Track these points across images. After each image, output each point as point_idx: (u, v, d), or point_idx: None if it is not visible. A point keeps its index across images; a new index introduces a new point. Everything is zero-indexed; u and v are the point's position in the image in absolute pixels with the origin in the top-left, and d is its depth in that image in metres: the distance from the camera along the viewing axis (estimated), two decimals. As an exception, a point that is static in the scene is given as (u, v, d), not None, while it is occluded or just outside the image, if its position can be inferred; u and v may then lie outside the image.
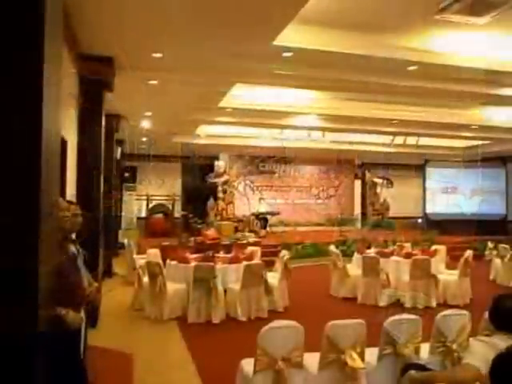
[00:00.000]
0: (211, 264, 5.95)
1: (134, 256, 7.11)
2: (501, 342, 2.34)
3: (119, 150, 10.72)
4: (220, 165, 14.28)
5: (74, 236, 2.96)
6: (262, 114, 9.06)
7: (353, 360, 3.03)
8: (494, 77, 6.72)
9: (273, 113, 9.05)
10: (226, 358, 4.06)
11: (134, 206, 13.91)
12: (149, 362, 4.39)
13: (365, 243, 9.53)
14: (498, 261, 8.94)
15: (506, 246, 9.18)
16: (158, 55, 5.34)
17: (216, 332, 5.48)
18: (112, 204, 8.79)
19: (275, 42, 5.21)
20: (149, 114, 8.77)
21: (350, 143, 13.19)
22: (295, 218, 15.71)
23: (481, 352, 2.29)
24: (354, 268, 7.41)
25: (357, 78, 6.54)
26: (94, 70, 5.29)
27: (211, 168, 14.40)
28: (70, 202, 2.92)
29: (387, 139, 12.67)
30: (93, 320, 4.96)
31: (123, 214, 13.14)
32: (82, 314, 2.60)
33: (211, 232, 9.58)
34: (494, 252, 9.30)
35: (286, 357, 2.93)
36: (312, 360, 3.11)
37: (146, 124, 9.59)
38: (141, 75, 6.20)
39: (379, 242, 9.72)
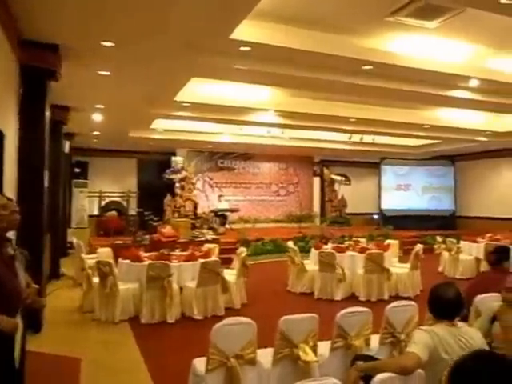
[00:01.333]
0: (166, 262, 5.85)
1: (84, 256, 6.87)
2: (440, 331, 2.44)
3: (68, 143, 10.31)
4: (177, 161, 14.07)
5: (11, 235, 2.79)
6: (220, 109, 8.98)
7: (306, 354, 3.06)
8: (443, 79, 6.99)
9: (232, 108, 8.99)
10: (180, 357, 4.00)
11: (85, 203, 13.44)
12: (98, 366, 4.24)
13: (322, 239, 9.70)
14: (446, 254, 9.37)
15: (454, 240, 9.63)
16: (109, 44, 5.14)
17: (171, 332, 5.40)
18: (59, 201, 8.46)
19: (232, 36, 5.18)
20: (101, 106, 8.48)
21: (309, 140, 13.37)
22: (255, 215, 15.76)
23: (422, 341, 2.38)
24: (311, 264, 7.53)
25: (315, 76, 6.61)
26: (36, 57, 4.99)
27: (168, 164, 14.16)
28: (9, 199, 2.75)
29: (345, 137, 12.92)
30: (35, 325, 4.76)
31: (73, 211, 12.67)
32: (19, 319, 2.44)
33: (168, 230, 9.42)
34: (443, 246, 9.73)
35: (239, 354, 2.92)
36: (266, 356, 3.13)
37: (97, 117, 9.28)
38: (90, 65, 5.97)
39: (336, 238, 9.94)
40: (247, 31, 5.28)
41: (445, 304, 2.55)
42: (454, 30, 5.82)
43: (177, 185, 13.98)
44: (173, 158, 14.16)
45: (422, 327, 2.61)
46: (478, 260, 9.01)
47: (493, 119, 11.31)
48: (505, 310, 2.81)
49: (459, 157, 16.15)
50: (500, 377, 1.11)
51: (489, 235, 9.85)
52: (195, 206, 13.90)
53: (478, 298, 3.54)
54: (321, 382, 1.98)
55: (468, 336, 2.50)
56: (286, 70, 6.34)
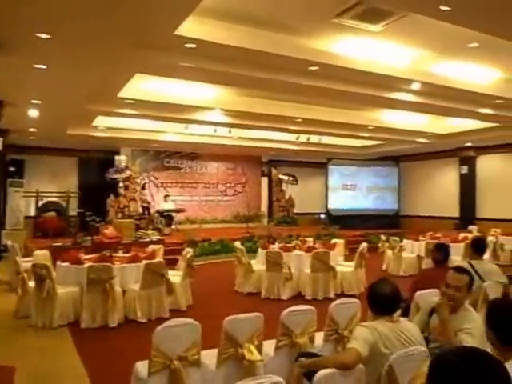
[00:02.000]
0: (108, 264, 5.68)
1: (18, 259, 6.52)
2: (380, 326, 2.56)
3: (1, 140, 9.74)
4: (121, 160, 13.68)
5: None
6: (165, 107, 8.85)
7: (250, 353, 3.09)
8: (387, 81, 7.29)
9: (177, 106, 8.89)
10: (123, 362, 3.90)
11: (21, 203, 12.74)
12: (35, 375, 4.04)
13: (270, 239, 9.81)
14: (389, 252, 9.77)
15: (397, 239, 10.06)
16: (45, 36, 4.92)
17: (113, 336, 5.25)
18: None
19: (177, 32, 5.12)
20: (37, 101, 8.09)
21: (257, 140, 13.48)
22: (202, 215, 15.68)
23: (363, 336, 2.48)
24: (259, 263, 7.59)
25: (261, 75, 6.67)
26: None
27: (111, 163, 13.74)
28: None
29: (293, 137, 13.14)
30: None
31: (7, 212, 11.98)
32: None
33: (110, 231, 9.15)
34: (387, 244, 10.12)
35: (183, 355, 2.90)
36: (211, 357, 3.13)
37: (34, 113, 8.83)
38: (25, 58, 5.69)
39: (284, 238, 10.09)
40: (193, 28, 5.25)
41: (382, 300, 2.67)
42: (398, 34, 6.09)
43: (120, 184, 13.60)
44: (116, 157, 13.76)
45: (362, 323, 2.71)
46: (419, 258, 9.44)
47: (434, 121, 11.95)
48: (443, 304, 2.96)
49: (403, 157, 16.92)
50: (483, 372, 1.17)
51: (430, 234, 10.38)
52: (147, 207, 13.60)
53: (418, 293, 3.71)
54: (263, 380, 2.00)
55: (407, 330, 2.63)
56: (233, 68, 6.36)
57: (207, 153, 15.69)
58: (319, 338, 3.50)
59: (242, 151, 15.26)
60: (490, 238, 10.36)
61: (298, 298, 6.96)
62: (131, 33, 5.02)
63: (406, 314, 3.65)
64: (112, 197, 13.36)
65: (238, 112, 9.69)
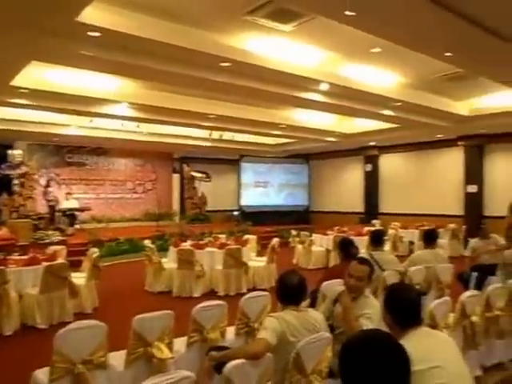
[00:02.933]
0: (1, 268, 5.27)
1: None
2: (287, 316, 2.71)
3: None
4: (15, 154, 12.64)
5: None
6: (67, 98, 8.36)
7: (160, 351, 3.09)
8: (296, 81, 7.58)
9: (80, 98, 8.45)
10: (20, 372, 3.65)
11: None
12: None
13: (182, 237, 9.75)
14: (299, 246, 10.23)
15: (307, 233, 10.56)
16: None
17: (8, 345, 4.90)
18: None
19: (80, 19, 4.89)
20: None
21: (168, 136, 13.28)
22: (109, 214, 15.08)
23: (271, 326, 2.61)
24: (170, 262, 7.53)
25: (171, 70, 6.59)
26: None
27: (4, 158, 12.65)
28: None
29: (205, 133, 13.14)
30: None
31: None
32: None
33: (3, 232, 8.46)
34: (297, 239, 10.59)
35: (88, 359, 2.82)
36: (119, 358, 3.07)
37: None
38: None
39: (196, 235, 10.08)
40: (98, 16, 5.06)
41: (289, 290, 2.83)
42: (308, 35, 6.38)
43: (15, 182, 12.60)
44: (9, 152, 12.69)
45: (271, 314, 2.85)
46: (328, 251, 9.99)
47: (341, 121, 12.70)
48: (345, 293, 3.20)
49: (313, 155, 17.75)
50: (384, 351, 1.34)
51: (337, 228, 11.05)
52: (54, 205, 12.68)
53: (324, 284, 3.96)
54: (171, 376, 2.03)
55: (313, 319, 2.81)
56: (141, 60, 6.22)
57: (114, 148, 15.11)
58: (231, 332, 3.59)
59: (151, 147, 14.93)
60: (390, 231, 11.30)
61: (211, 294, 7.02)
62: (26, 15, 4.69)
63: (313, 304, 3.88)
64: (5, 195, 12.33)
65: (146, 106, 9.47)
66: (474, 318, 3.82)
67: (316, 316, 2.90)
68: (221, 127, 12.00)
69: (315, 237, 10.54)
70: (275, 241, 8.00)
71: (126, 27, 5.35)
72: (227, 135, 13.53)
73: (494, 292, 4.10)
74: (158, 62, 6.34)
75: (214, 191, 17.13)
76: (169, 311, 3.24)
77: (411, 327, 2.13)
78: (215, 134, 13.16)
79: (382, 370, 1.29)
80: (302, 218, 16.86)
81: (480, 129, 11.71)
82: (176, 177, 16.97)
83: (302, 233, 10.71)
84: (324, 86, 7.94)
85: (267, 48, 6.67)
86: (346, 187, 16.97)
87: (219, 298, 6.46)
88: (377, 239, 5.31)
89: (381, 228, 9.06)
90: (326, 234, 10.46)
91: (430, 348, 2.02)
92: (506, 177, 12.41)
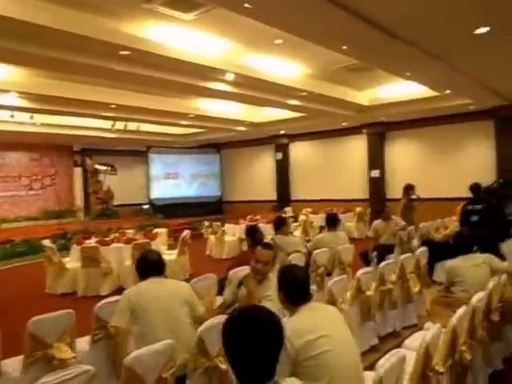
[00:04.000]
0: None
1: None
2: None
3: None
4: None
5: None
6: None
7: (61, 352, 3.05)
8: (201, 70, 7.62)
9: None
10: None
11: None
12: None
13: (86, 234, 9.42)
14: (212, 237, 10.39)
15: (219, 224, 10.75)
16: None
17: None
18: None
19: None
20: None
21: (67, 127, 12.64)
22: (1, 214, 14.06)
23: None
24: (73, 261, 7.28)
25: (67, 57, 6.32)
26: None
27: None
28: None
29: (108, 124, 12.71)
30: None
31: None
32: None
33: None
34: (210, 230, 10.75)
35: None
36: (14, 364, 2.99)
37: None
38: None
39: (102, 232, 9.81)
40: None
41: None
42: (211, 25, 6.45)
43: None
44: None
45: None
46: (241, 240, 10.22)
47: (251, 111, 12.98)
48: (250, 276, 3.41)
49: (224, 145, 17.92)
50: (258, 323, 1.52)
51: (249, 217, 11.39)
52: None
53: (232, 271, 4.14)
54: (68, 372, 2.05)
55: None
56: (34, 48, 5.92)
57: (4, 141, 14.04)
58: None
59: (48, 139, 14.12)
60: (301, 217, 11.89)
61: (120, 291, 6.88)
62: None
63: (221, 291, 4.06)
64: None
65: (39, 96, 8.95)
66: (369, 293, 4.23)
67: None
68: (124, 117, 11.69)
69: (228, 227, 10.77)
70: (186, 232, 8.05)
71: (20, 13, 5.06)
72: (132, 126, 13.20)
73: (387, 267, 4.57)
74: (54, 49, 6.07)
75: (122, 184, 16.65)
76: (69, 310, 3.21)
77: (301, 303, 2.37)
78: (119, 125, 12.77)
79: (256, 340, 1.48)
80: (215, 208, 17.01)
81: (380, 117, 12.64)
82: (78, 171, 16.22)
83: (214, 223, 10.87)
84: (229, 76, 8.07)
85: (168, 37, 6.64)
86: (258, 176, 17.38)
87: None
88: (278, 224, 5.75)
89: (281, 214, 9.51)
90: (239, 224, 10.72)
91: (318, 320, 2.29)
92: (403, 161, 13.57)
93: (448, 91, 9.55)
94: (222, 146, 18.05)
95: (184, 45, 6.88)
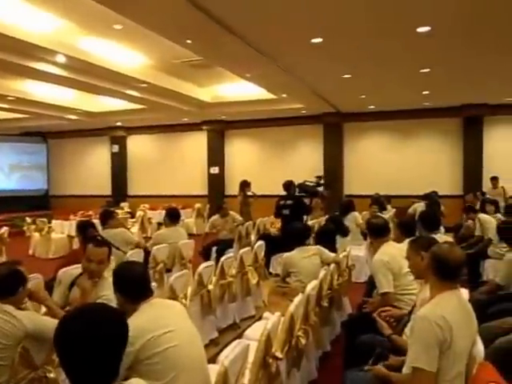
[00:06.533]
0: None
1: None
2: None
3: None
4: None
5: None
6: None
7: None
8: (25, 48, 6.78)
9: None
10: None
11: None
12: None
13: None
14: (36, 235, 9.44)
15: (44, 220, 9.81)
16: None
17: None
18: None
19: None
20: None
21: None
22: None
23: None
24: None
25: None
26: None
27: None
28: None
29: None
30: None
31: None
32: None
33: None
34: (33, 227, 9.75)
35: None
36: None
37: None
38: None
39: None
40: None
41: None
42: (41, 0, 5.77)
43: None
44: None
45: None
46: (70, 237, 9.49)
47: (84, 99, 12.04)
48: (84, 277, 3.14)
49: (52, 134, 16.43)
50: (97, 323, 1.37)
51: (81, 212, 10.66)
52: None
53: (61, 271, 3.75)
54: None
55: None
56: None
57: None
58: None
59: None
60: (138, 213, 11.55)
61: None
62: None
63: (50, 293, 3.66)
64: None
65: None
66: (210, 287, 4.28)
67: None
68: None
69: (55, 223, 10.01)
70: (4, 229, 7.16)
71: None
72: None
73: (227, 262, 4.69)
74: None
75: None
76: None
77: (142, 300, 2.27)
78: None
79: (101, 341, 1.33)
80: (39, 203, 15.40)
81: (220, 115, 12.98)
82: None
83: (38, 220, 9.90)
84: (60, 58, 7.36)
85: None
86: (91, 169, 16.37)
87: None
88: (105, 218, 5.64)
89: (108, 208, 9.16)
90: (69, 220, 9.99)
91: (162, 316, 2.23)
92: (242, 159, 14.19)
93: (284, 95, 10.26)
94: (49, 134, 16.47)
95: (8, 19, 6.03)
